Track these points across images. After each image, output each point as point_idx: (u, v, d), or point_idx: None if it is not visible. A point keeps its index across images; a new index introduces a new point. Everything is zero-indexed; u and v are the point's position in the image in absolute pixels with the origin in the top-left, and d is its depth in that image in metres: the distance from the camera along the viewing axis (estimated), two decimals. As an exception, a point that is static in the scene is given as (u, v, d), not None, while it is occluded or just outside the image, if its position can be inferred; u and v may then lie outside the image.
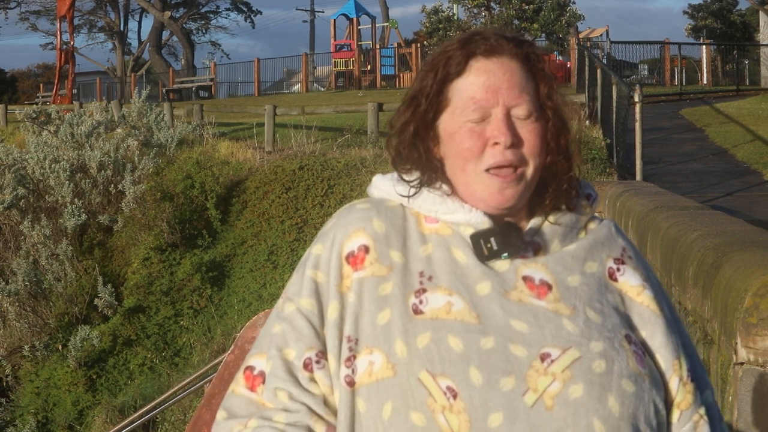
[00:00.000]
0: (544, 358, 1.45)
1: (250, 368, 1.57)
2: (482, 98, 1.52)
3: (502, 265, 1.52)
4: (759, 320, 3.10)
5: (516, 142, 1.51)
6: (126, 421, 7.11)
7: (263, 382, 1.54)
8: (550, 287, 1.51)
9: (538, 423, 1.41)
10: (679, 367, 1.53)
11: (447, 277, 1.50)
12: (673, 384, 1.54)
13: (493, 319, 1.47)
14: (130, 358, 11.91)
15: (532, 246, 1.55)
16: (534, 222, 1.57)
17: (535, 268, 1.53)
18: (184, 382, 6.71)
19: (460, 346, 1.43)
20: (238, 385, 1.57)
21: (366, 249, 1.54)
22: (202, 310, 12.26)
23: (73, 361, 11.72)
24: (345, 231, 1.57)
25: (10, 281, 13.18)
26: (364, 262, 1.53)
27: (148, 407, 7.14)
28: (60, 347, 12.24)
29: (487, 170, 1.52)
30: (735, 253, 3.70)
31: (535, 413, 1.42)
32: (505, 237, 1.52)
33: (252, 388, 1.55)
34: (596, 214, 1.66)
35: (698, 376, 1.58)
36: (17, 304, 12.85)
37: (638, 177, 10.64)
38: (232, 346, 2.71)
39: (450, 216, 1.55)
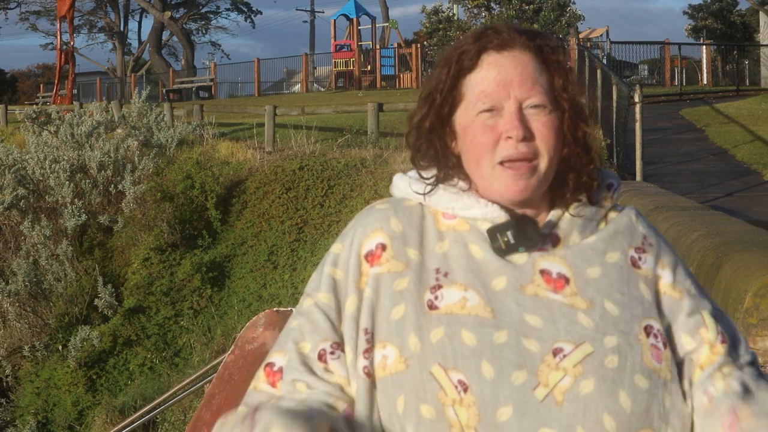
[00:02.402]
0: (556, 353, 1.45)
1: (270, 365, 1.58)
2: (493, 92, 1.53)
3: (519, 258, 1.53)
4: (759, 320, 3.10)
5: (529, 136, 1.52)
6: (126, 422, 7.10)
7: (281, 378, 1.55)
8: (567, 281, 1.51)
9: (547, 418, 1.41)
10: (707, 332, 1.52)
11: (463, 273, 1.52)
12: (702, 353, 1.52)
13: (507, 313, 1.47)
14: (130, 359, 11.91)
15: (551, 239, 1.56)
16: (553, 214, 1.57)
17: (553, 261, 1.53)
18: (184, 383, 6.70)
19: (473, 340, 1.44)
20: (260, 382, 1.59)
21: (383, 247, 1.56)
22: (202, 311, 12.26)
23: (73, 362, 11.72)
24: (364, 231, 1.59)
25: (10, 281, 13.18)
26: (381, 258, 1.55)
27: (148, 407, 7.13)
28: (60, 347, 12.23)
29: (501, 163, 1.52)
30: (735, 253, 3.70)
31: (544, 408, 1.42)
32: (521, 230, 1.52)
33: (273, 384, 1.57)
34: (618, 204, 1.66)
35: (734, 341, 1.57)
36: (17, 304, 12.84)
37: (638, 177, 10.64)
38: (232, 347, 2.71)
39: (466, 212, 1.56)
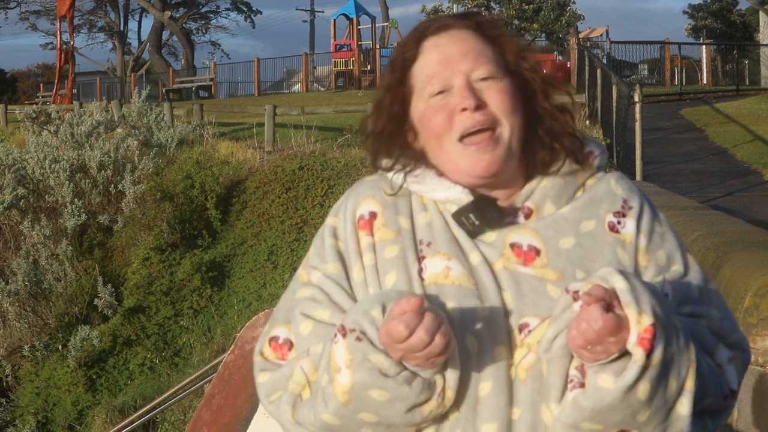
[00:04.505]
0: (522, 328, 1.44)
1: (275, 338, 1.56)
2: (439, 72, 1.52)
3: (489, 235, 1.52)
4: (759, 320, 3.09)
5: (482, 104, 1.50)
6: (126, 421, 7.11)
7: (289, 349, 1.54)
8: (538, 252, 1.49)
9: (515, 397, 1.42)
10: (637, 323, 1.31)
11: (446, 243, 1.52)
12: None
13: (485, 290, 1.47)
14: (130, 358, 11.91)
15: (523, 211, 1.54)
16: (526, 188, 1.55)
17: (523, 233, 1.51)
18: (184, 382, 6.70)
19: (457, 313, 1.43)
20: (267, 351, 1.56)
21: (374, 215, 1.56)
22: (202, 310, 12.26)
23: (73, 361, 11.72)
24: (356, 199, 1.59)
25: (10, 281, 13.17)
26: (373, 227, 1.55)
27: (148, 407, 7.14)
28: (60, 347, 12.23)
29: (462, 139, 1.50)
30: (735, 253, 3.70)
31: (514, 387, 1.43)
32: (480, 211, 1.51)
33: (282, 357, 1.55)
34: (603, 170, 1.62)
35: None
36: (17, 304, 12.84)
37: (638, 177, 10.63)
38: (232, 346, 2.71)
39: (432, 194, 1.56)
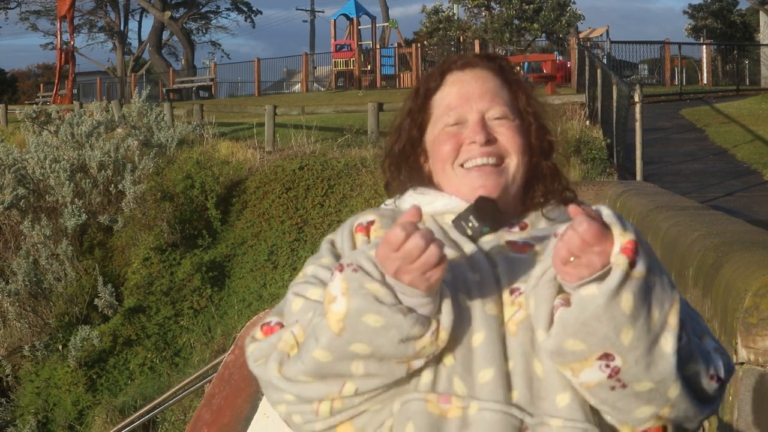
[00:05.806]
0: (513, 291, 1.53)
1: (267, 323, 1.62)
2: (457, 105, 1.65)
3: (487, 237, 1.61)
4: (759, 320, 3.09)
5: (492, 140, 1.62)
6: (126, 421, 7.11)
7: (281, 327, 1.59)
8: (532, 246, 1.59)
9: (508, 349, 1.50)
10: (621, 236, 1.43)
11: (440, 237, 1.57)
12: None
13: (478, 265, 1.56)
14: (130, 358, 11.91)
15: (519, 225, 1.65)
16: (523, 215, 1.67)
17: (519, 236, 1.62)
18: (184, 382, 6.71)
19: (448, 276, 1.49)
20: (258, 334, 1.62)
21: (372, 222, 1.66)
22: (202, 310, 12.26)
23: (73, 361, 11.72)
24: (356, 217, 1.70)
25: (10, 281, 13.18)
26: (369, 231, 1.65)
27: (148, 407, 7.14)
28: (60, 347, 12.24)
29: (464, 165, 1.62)
30: (735, 253, 3.70)
31: (507, 341, 1.50)
32: (481, 211, 1.58)
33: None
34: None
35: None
36: (17, 304, 12.84)
37: (638, 177, 10.64)
38: (232, 346, 2.71)
39: (431, 206, 1.65)
